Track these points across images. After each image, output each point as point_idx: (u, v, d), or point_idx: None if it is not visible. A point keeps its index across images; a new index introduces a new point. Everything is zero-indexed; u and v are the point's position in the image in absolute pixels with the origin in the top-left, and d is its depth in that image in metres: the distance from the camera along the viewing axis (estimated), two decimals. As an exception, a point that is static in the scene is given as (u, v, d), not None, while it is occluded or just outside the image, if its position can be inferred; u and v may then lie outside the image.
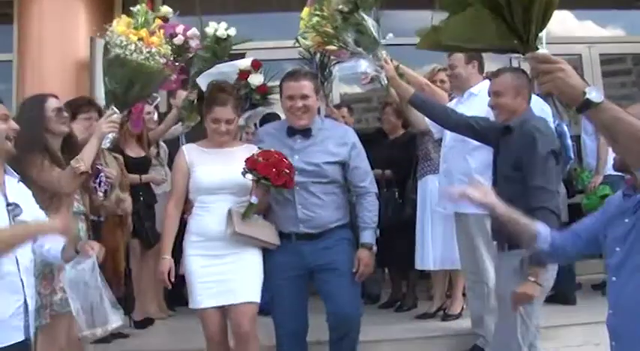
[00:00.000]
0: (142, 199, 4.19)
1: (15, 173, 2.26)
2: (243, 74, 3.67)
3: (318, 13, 3.38)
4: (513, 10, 1.51)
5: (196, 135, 4.37)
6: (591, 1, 6.22)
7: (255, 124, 4.37)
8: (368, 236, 3.06)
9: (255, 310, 2.93)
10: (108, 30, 2.90)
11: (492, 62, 4.37)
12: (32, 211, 2.22)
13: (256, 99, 3.68)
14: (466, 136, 3.25)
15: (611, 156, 3.99)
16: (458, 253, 3.78)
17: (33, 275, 2.20)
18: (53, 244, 2.25)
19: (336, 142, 3.05)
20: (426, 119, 3.64)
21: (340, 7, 3.24)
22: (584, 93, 1.49)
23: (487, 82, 3.68)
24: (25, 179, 2.33)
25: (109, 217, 3.68)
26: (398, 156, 4.50)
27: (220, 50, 4.06)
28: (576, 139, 4.90)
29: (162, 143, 4.61)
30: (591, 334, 3.66)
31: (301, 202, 2.99)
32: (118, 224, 3.83)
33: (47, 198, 2.67)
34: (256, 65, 3.70)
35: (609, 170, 4.57)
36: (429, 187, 4.13)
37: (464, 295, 4.08)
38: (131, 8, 3.31)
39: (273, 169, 2.78)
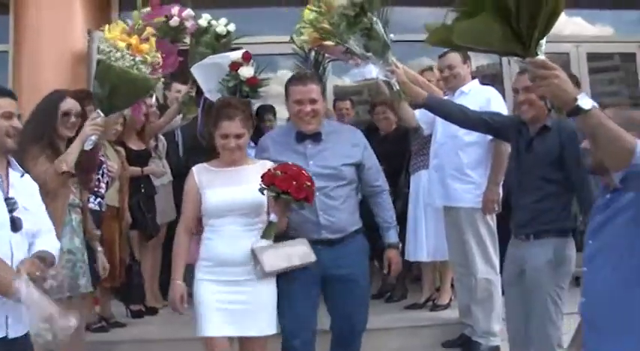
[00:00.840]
0: (143, 190, 4.28)
1: (19, 168, 2.31)
2: (234, 65, 3.74)
3: (315, 9, 3.41)
4: (521, 17, 1.66)
5: (192, 128, 4.49)
6: (579, 0, 6.37)
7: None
8: (393, 235, 3.06)
9: (268, 340, 2.81)
10: (101, 35, 2.98)
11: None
12: (33, 206, 2.26)
13: (245, 91, 3.71)
14: (481, 131, 3.33)
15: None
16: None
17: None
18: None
19: (349, 143, 3.01)
20: (417, 116, 3.77)
21: (346, 11, 3.21)
22: (576, 99, 1.66)
23: (476, 81, 3.84)
24: (24, 170, 2.37)
25: (107, 209, 3.79)
26: (390, 151, 4.60)
27: (220, 46, 4.14)
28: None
29: (160, 136, 4.70)
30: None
31: (322, 208, 2.89)
32: (116, 216, 3.94)
33: (44, 191, 2.75)
34: (247, 57, 3.75)
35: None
36: (422, 181, 4.26)
37: (452, 286, 4.24)
38: (122, 20, 3.32)
39: (294, 182, 2.64)
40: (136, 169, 4.22)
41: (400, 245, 3.07)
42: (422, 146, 4.25)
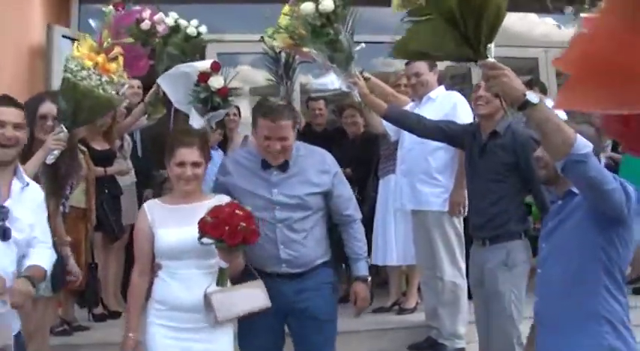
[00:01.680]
0: (106, 191, 4.38)
1: (24, 178, 2.46)
2: (203, 76, 3.81)
3: (289, 14, 3.57)
4: (466, 21, 1.96)
5: (154, 129, 4.61)
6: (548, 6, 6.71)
7: (219, 126, 4.65)
8: (362, 268, 2.95)
9: None
10: (70, 54, 3.11)
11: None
12: (28, 217, 2.41)
13: (217, 101, 3.82)
14: (437, 140, 3.62)
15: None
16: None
17: (9, 277, 2.30)
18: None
19: (317, 169, 2.89)
20: (384, 122, 4.00)
21: (311, 21, 3.36)
22: (525, 94, 1.98)
23: (442, 88, 4.09)
24: None
25: (72, 210, 3.89)
26: (359, 155, 4.84)
27: (190, 48, 4.27)
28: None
29: (126, 136, 4.81)
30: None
31: (283, 241, 2.81)
32: (82, 217, 4.04)
33: None
34: (216, 67, 3.84)
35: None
36: (391, 185, 4.47)
37: (419, 290, 4.48)
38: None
39: (226, 228, 2.48)
40: (99, 170, 4.32)
41: (369, 279, 2.99)
42: (391, 151, 4.45)
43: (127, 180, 4.73)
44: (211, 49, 5.87)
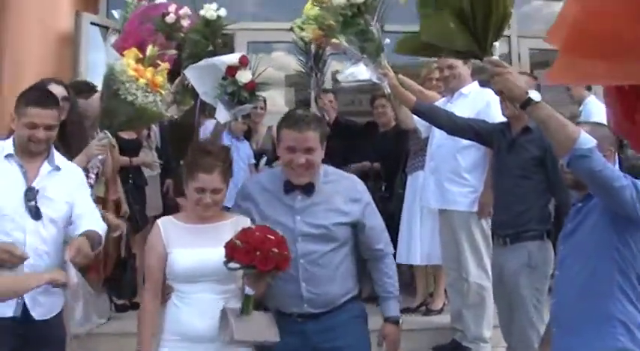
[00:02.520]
0: (131, 181, 4.56)
1: (55, 162, 2.70)
2: (231, 70, 3.94)
3: (318, 4, 3.67)
4: (476, 18, 2.09)
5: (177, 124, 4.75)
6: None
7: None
8: (393, 308, 2.79)
9: None
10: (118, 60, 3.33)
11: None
12: (63, 196, 2.66)
13: (244, 96, 3.95)
14: (467, 138, 3.69)
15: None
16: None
17: (41, 255, 2.55)
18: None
19: (346, 197, 2.71)
20: (415, 118, 4.07)
21: (343, 11, 3.45)
22: (527, 93, 2.12)
23: (476, 83, 4.14)
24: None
25: (97, 200, 4.07)
26: (388, 149, 4.92)
27: (210, 33, 4.34)
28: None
29: (153, 126, 4.98)
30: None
31: (306, 278, 2.64)
32: (103, 207, 4.21)
33: None
34: (244, 61, 3.97)
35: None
36: (419, 182, 4.53)
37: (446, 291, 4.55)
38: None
39: (257, 253, 2.39)
40: (124, 159, 4.48)
41: (401, 320, 2.85)
42: (420, 147, 4.52)
43: (154, 171, 4.91)
44: (241, 37, 6.02)
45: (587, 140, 2.04)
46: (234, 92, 3.96)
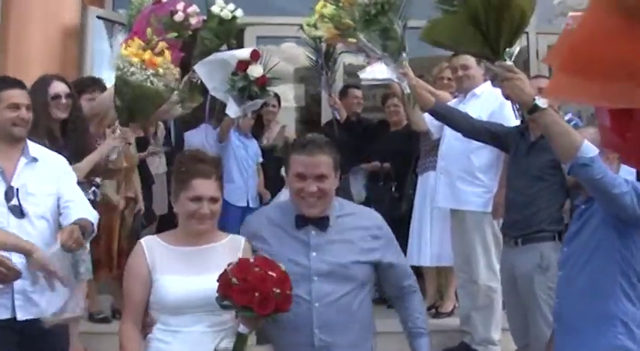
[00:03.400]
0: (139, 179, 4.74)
1: (30, 154, 2.79)
2: (242, 65, 4.12)
3: (333, 3, 3.76)
4: (489, 22, 2.27)
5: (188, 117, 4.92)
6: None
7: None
8: (424, 346, 2.65)
9: None
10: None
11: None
12: (45, 189, 2.74)
13: (255, 91, 4.13)
14: (482, 141, 3.81)
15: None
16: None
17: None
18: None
19: (365, 233, 2.58)
20: (426, 120, 4.22)
21: (367, 8, 3.55)
22: (534, 99, 2.30)
23: (489, 84, 4.28)
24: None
25: (105, 195, 4.25)
26: (399, 149, 5.08)
27: (224, 32, 4.50)
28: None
29: (160, 124, 5.17)
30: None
31: (320, 325, 2.45)
32: (115, 205, 4.40)
33: None
34: (256, 56, 4.16)
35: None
36: (430, 182, 4.69)
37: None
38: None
39: (255, 294, 2.17)
40: (141, 155, 4.69)
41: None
42: (431, 147, 4.67)
43: (160, 169, 5.09)
44: (250, 32, 6.19)
45: (589, 149, 2.21)
46: (245, 87, 4.12)
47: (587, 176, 2.24)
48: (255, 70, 4.11)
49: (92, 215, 2.79)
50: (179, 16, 4.38)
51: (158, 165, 5.11)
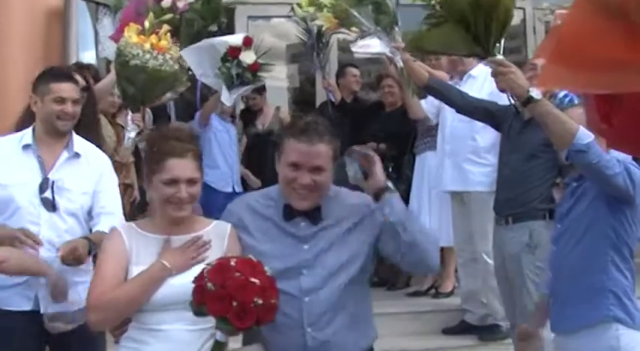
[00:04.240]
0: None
1: (73, 149, 2.88)
2: (234, 51, 4.21)
3: None
4: (477, 24, 2.47)
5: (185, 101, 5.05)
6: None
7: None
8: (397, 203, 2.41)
9: None
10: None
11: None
12: (81, 187, 2.83)
13: (247, 78, 4.24)
14: (478, 119, 3.96)
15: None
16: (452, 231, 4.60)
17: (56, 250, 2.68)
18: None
19: (358, 215, 2.39)
20: (424, 106, 4.38)
21: None
22: (529, 91, 2.50)
23: (484, 65, 4.44)
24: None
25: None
26: (394, 130, 5.22)
27: (210, 12, 4.52)
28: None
29: (147, 109, 5.29)
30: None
31: (312, 322, 2.27)
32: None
33: None
34: (248, 42, 4.27)
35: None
36: (427, 163, 4.87)
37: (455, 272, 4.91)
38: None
39: (233, 304, 1.95)
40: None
41: None
42: (428, 127, 4.84)
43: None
44: (241, 12, 6.28)
45: (585, 135, 2.39)
46: (238, 74, 4.23)
47: (584, 162, 2.43)
48: (248, 57, 4.22)
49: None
50: (166, 2, 4.47)
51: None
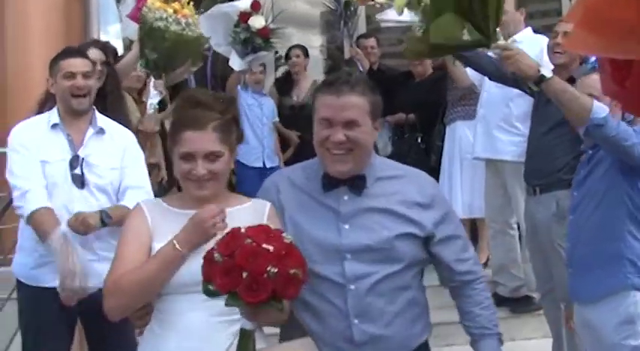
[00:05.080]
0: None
1: (98, 125, 3.02)
2: (244, 16, 4.31)
3: None
4: (475, 12, 2.54)
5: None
6: None
7: (263, 66, 5.12)
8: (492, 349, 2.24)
9: None
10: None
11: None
12: (109, 163, 2.97)
13: (258, 43, 4.32)
14: (510, 85, 3.97)
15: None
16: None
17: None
18: None
19: (411, 198, 2.19)
20: (470, 73, 4.43)
21: None
22: (539, 70, 2.58)
23: (529, 29, 4.48)
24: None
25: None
26: (424, 99, 5.29)
27: None
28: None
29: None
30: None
31: (358, 313, 2.12)
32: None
33: None
34: (256, 6, 4.34)
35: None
36: (458, 133, 4.93)
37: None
38: None
39: (243, 274, 1.74)
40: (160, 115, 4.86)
41: None
42: (460, 97, 4.89)
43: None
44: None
45: (600, 110, 2.47)
46: (248, 39, 4.31)
47: (602, 135, 2.51)
48: (257, 21, 4.28)
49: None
50: None
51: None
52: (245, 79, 5.41)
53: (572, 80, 3.68)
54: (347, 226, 2.14)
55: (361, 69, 5.60)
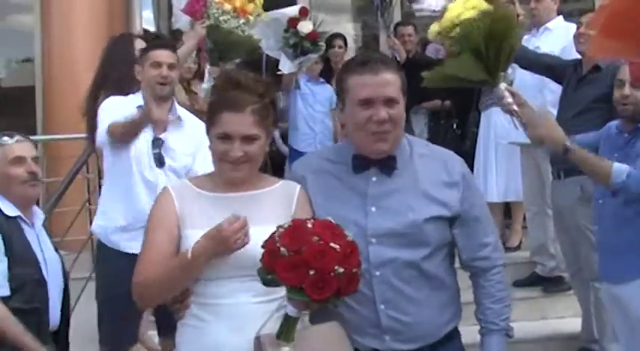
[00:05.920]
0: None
1: (176, 112, 3.41)
2: (293, 22, 4.73)
3: None
4: (489, 55, 2.87)
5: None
6: None
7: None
8: (495, 346, 2.27)
9: None
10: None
11: None
12: (182, 147, 3.36)
13: (307, 47, 4.74)
14: (538, 73, 4.27)
15: None
16: (521, 185, 4.96)
17: None
18: None
19: (438, 178, 2.22)
20: None
21: None
22: (564, 143, 2.83)
23: (561, 18, 4.73)
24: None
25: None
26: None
27: None
28: None
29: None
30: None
31: (385, 299, 2.15)
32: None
33: None
34: (304, 12, 4.77)
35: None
36: (493, 119, 5.19)
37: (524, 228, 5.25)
38: None
39: (310, 272, 1.82)
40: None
41: None
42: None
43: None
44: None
45: (618, 172, 2.75)
46: (297, 43, 4.75)
47: (628, 193, 2.79)
48: (305, 26, 4.73)
49: None
50: None
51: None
52: (298, 78, 5.77)
53: (597, 68, 4.01)
54: (374, 209, 2.16)
55: (398, 59, 5.86)
